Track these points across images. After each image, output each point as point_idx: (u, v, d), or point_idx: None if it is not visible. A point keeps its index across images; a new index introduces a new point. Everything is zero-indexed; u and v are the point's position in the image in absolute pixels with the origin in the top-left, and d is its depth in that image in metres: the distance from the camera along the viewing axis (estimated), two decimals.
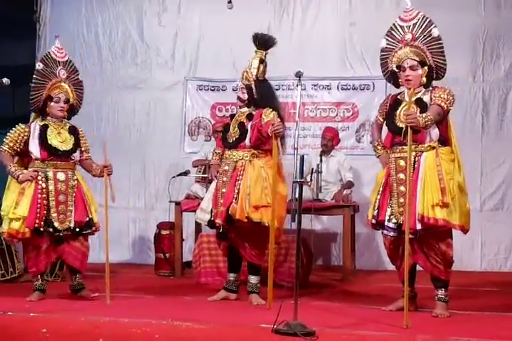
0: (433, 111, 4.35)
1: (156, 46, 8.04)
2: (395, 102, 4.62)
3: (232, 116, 5.22)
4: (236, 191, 4.88)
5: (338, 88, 7.65)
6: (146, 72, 8.05)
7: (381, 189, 4.58)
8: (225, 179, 4.98)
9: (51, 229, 4.88)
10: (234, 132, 5.05)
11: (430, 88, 4.52)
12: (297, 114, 4.35)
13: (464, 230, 4.45)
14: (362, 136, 7.58)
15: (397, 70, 4.57)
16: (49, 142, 4.94)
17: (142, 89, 8.01)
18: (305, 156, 4.47)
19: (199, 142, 7.76)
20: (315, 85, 7.67)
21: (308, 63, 7.25)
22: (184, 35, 7.98)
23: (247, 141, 4.97)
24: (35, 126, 5.00)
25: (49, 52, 5.08)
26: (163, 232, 6.80)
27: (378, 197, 4.58)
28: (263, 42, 5.06)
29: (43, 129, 4.97)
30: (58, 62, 5.07)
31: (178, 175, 7.08)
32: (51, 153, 4.95)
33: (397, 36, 4.56)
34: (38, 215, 4.82)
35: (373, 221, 4.60)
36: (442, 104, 4.39)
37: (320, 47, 7.65)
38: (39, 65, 4.98)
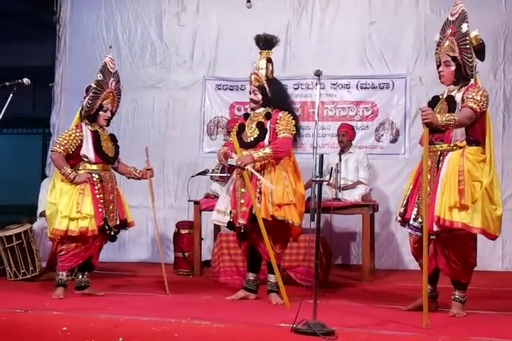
0: (462, 115, 4.22)
1: (175, 46, 8.04)
2: (434, 100, 4.49)
3: (246, 115, 5.21)
4: (258, 190, 4.88)
5: (357, 87, 7.61)
6: (165, 71, 8.06)
7: (411, 187, 4.52)
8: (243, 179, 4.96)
9: (106, 227, 5.07)
10: (251, 132, 5.04)
11: (467, 85, 4.35)
12: (316, 113, 4.34)
13: (489, 236, 4.27)
14: (381, 135, 7.53)
15: None
16: (103, 149, 5.14)
17: (161, 88, 8.03)
18: (324, 155, 4.46)
19: (218, 141, 7.74)
20: (334, 84, 7.64)
21: (327, 62, 7.25)
22: (203, 35, 7.98)
23: (266, 141, 4.96)
24: (86, 131, 5.13)
25: (105, 63, 5.19)
26: (182, 231, 6.81)
27: (408, 194, 4.53)
28: (266, 42, 5.07)
29: (96, 136, 5.13)
30: (111, 73, 5.22)
31: (197, 175, 7.09)
32: (103, 158, 5.15)
33: (445, 30, 4.45)
34: (101, 214, 5.03)
35: (399, 218, 4.57)
36: (474, 107, 4.22)
37: (339, 46, 7.62)
38: (100, 76, 5.13)
